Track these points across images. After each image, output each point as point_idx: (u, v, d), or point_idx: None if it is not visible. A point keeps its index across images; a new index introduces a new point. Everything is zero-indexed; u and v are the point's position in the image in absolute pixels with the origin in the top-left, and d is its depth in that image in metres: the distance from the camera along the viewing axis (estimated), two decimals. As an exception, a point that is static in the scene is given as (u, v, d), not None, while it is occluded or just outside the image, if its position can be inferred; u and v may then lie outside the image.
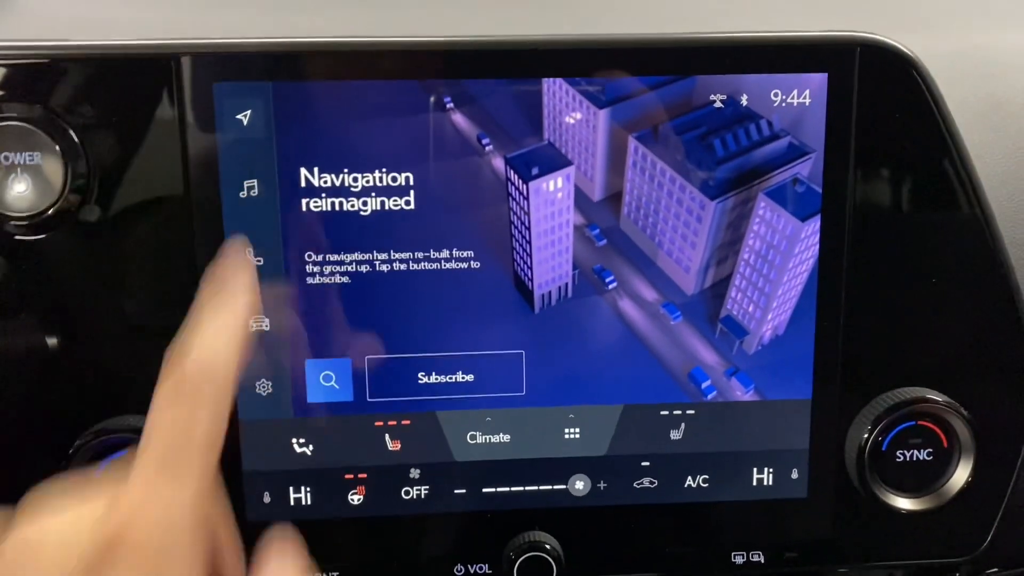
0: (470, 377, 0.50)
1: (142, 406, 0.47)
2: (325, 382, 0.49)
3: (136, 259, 0.47)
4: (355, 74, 0.46)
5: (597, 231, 0.49)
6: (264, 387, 0.49)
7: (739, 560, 0.53)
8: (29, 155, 0.45)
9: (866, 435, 0.50)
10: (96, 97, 0.45)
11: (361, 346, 0.49)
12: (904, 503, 0.51)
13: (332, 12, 0.58)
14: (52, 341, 0.48)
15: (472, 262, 0.48)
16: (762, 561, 0.53)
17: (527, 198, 0.48)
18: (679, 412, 0.51)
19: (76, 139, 0.45)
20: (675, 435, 0.51)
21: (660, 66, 0.47)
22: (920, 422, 0.51)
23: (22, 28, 0.54)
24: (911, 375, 0.51)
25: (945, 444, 0.51)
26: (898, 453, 0.51)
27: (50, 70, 0.45)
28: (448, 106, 0.47)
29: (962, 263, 0.50)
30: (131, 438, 0.47)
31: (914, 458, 0.51)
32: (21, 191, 0.45)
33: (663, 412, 0.51)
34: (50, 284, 0.47)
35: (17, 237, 0.46)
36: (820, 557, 0.53)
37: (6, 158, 0.45)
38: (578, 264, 0.49)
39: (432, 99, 0.46)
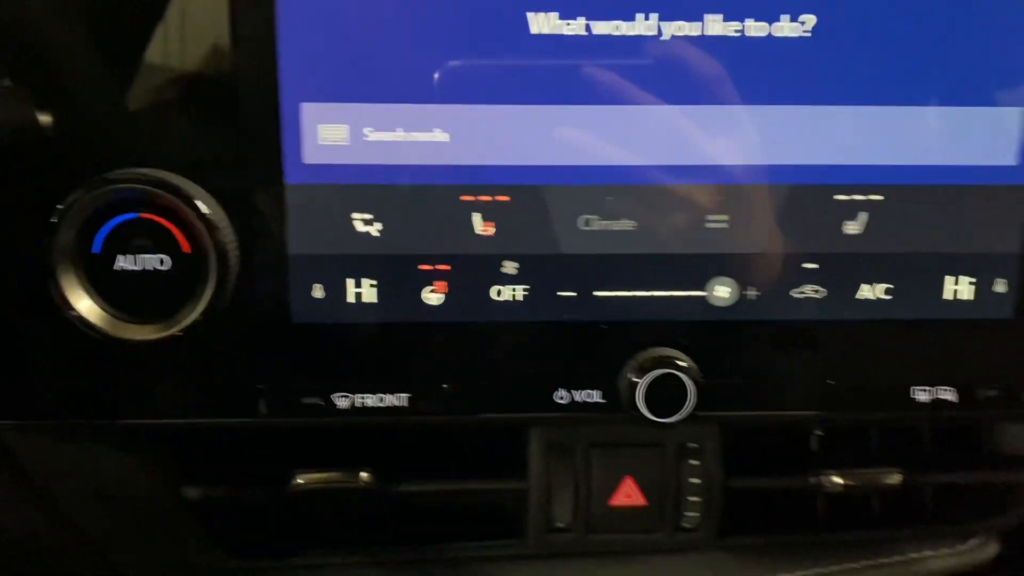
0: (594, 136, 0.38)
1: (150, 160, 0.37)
2: (399, 133, 0.37)
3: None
4: None
5: None
6: (319, 138, 0.37)
7: (922, 397, 0.41)
8: None
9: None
10: None
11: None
12: None
13: None
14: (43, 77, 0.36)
15: None
16: (953, 400, 0.41)
17: None
18: (860, 197, 0.39)
19: None
20: (851, 228, 0.39)
21: None
22: None
23: None
24: None
25: None
26: None
27: None
28: None
29: None
30: (143, 192, 0.36)
31: None
32: None
33: (838, 196, 0.39)
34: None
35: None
36: (1028, 396, 0.42)
37: None
38: None
39: None
